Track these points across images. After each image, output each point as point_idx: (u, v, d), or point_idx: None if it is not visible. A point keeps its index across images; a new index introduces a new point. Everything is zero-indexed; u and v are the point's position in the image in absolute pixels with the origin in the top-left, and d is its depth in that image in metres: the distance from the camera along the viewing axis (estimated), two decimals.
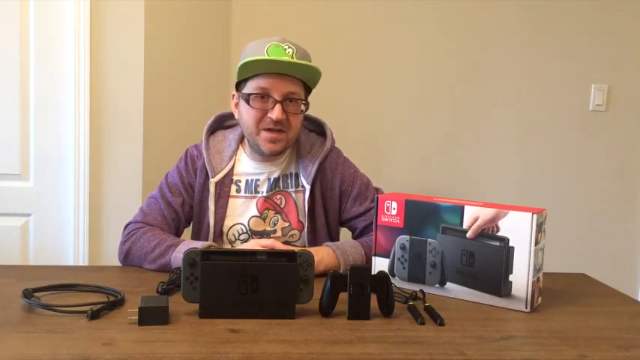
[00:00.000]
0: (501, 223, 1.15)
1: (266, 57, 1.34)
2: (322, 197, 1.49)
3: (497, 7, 2.72)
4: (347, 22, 2.68)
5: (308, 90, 1.45)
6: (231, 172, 1.49)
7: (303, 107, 1.42)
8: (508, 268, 1.15)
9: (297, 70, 1.38)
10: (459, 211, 1.19)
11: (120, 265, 1.45)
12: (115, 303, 1.08)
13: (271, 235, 1.47)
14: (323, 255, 1.34)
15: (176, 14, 2.31)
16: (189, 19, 2.40)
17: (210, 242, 1.40)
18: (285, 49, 1.37)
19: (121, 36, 2.07)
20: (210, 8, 2.53)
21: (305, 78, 1.41)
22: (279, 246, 1.35)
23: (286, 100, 1.38)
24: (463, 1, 2.70)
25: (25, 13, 2.03)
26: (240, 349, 0.92)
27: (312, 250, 1.32)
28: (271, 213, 1.48)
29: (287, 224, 1.48)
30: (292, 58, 1.36)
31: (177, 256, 1.31)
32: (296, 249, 1.12)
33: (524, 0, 2.72)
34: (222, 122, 1.58)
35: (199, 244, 1.33)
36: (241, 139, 1.52)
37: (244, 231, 1.47)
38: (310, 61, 1.41)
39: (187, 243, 1.36)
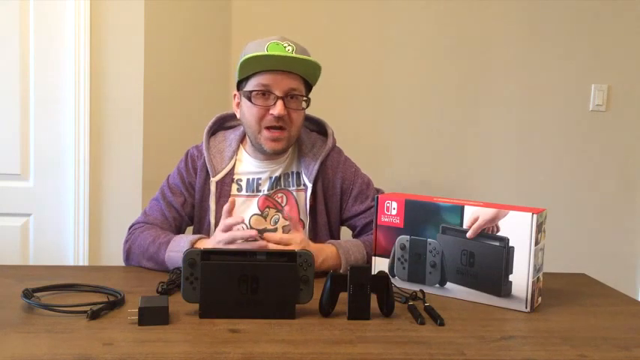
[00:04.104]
0: (501, 223, 1.15)
1: (266, 53, 1.35)
2: (324, 196, 1.50)
3: (497, 7, 2.72)
4: (347, 22, 2.68)
5: (309, 87, 1.45)
6: (232, 172, 1.49)
7: (304, 104, 1.42)
8: (508, 268, 1.15)
9: (297, 66, 1.38)
10: (459, 211, 1.19)
11: (120, 265, 1.45)
12: (115, 303, 1.08)
13: None
14: (327, 254, 1.34)
15: (176, 14, 2.31)
16: (189, 19, 2.40)
17: (199, 235, 1.38)
18: (284, 47, 1.37)
19: (121, 36, 2.07)
20: (210, 8, 2.53)
21: (305, 74, 1.41)
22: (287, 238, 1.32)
23: (287, 96, 1.38)
24: (464, 1, 2.71)
25: (25, 13, 2.03)
26: (240, 349, 0.92)
27: (316, 247, 1.32)
28: (272, 211, 1.48)
29: (288, 222, 1.48)
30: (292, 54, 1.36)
31: (170, 255, 1.33)
32: (296, 249, 1.12)
33: (524, 0, 2.72)
34: (223, 123, 1.58)
35: (188, 239, 1.33)
36: (242, 139, 1.52)
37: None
38: None
39: (177, 240, 1.36)
